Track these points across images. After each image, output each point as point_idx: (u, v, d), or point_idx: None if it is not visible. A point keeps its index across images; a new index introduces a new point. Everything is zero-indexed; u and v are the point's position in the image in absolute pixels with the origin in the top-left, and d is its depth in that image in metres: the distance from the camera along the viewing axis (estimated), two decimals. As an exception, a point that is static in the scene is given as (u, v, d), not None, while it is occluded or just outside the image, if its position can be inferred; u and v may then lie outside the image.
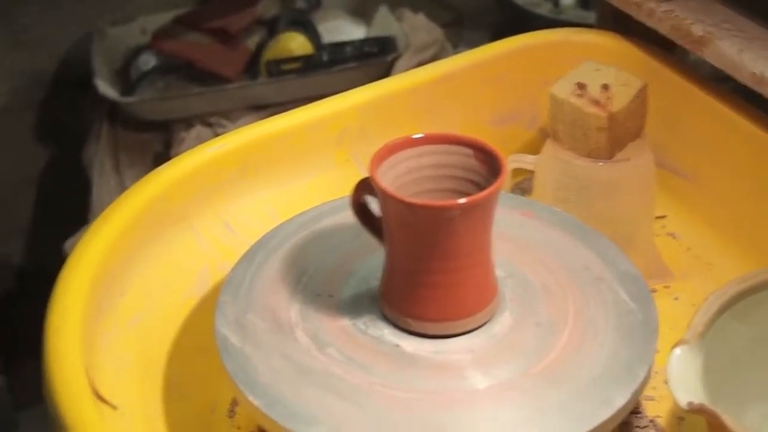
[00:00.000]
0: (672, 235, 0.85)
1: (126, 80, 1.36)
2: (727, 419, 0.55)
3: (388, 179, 0.59)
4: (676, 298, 0.78)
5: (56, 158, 1.59)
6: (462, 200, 0.56)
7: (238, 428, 0.69)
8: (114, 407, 0.61)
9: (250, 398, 0.58)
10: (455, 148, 0.61)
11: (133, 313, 0.69)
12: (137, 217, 0.72)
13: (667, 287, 0.79)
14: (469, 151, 0.61)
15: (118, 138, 1.34)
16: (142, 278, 0.71)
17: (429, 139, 0.61)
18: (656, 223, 0.84)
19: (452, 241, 0.58)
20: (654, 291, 0.78)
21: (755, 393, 0.65)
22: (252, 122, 1.13)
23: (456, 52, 1.46)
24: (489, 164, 0.60)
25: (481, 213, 0.58)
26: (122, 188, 1.31)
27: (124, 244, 0.70)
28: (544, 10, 1.53)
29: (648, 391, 0.69)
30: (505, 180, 0.81)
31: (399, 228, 0.59)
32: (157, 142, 1.33)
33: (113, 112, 1.35)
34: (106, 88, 1.29)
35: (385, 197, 0.58)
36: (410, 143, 0.61)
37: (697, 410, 0.56)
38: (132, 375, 0.67)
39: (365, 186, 0.61)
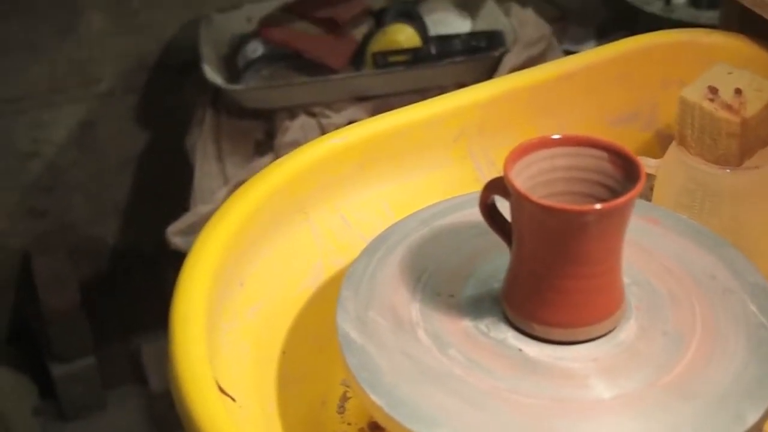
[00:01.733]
0: (794, 246, 0.82)
1: (232, 67, 1.37)
2: None
3: (521, 180, 0.58)
4: (800, 314, 0.75)
5: (157, 142, 1.62)
6: (599, 206, 0.55)
7: (348, 424, 0.69)
8: (233, 399, 0.61)
9: (374, 397, 0.57)
10: (590, 150, 0.60)
11: (252, 303, 0.70)
12: (258, 207, 0.72)
13: (790, 301, 0.76)
14: (604, 155, 0.60)
15: (221, 125, 1.35)
16: (259, 269, 0.72)
17: (564, 141, 0.60)
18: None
19: (585, 246, 0.57)
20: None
21: None
22: (356, 113, 1.13)
23: (561, 49, 1.45)
24: (624, 169, 0.59)
25: (616, 219, 0.57)
26: (223, 175, 1.32)
27: (244, 234, 0.70)
28: (655, 8, 1.50)
29: None
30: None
31: (530, 230, 0.58)
32: (260, 131, 1.34)
33: (217, 98, 1.36)
34: (212, 74, 1.30)
35: (519, 199, 0.57)
36: (545, 144, 0.60)
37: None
38: (248, 367, 0.67)
39: (495, 186, 0.60)
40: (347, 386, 0.72)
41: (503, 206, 0.61)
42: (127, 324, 1.78)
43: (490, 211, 0.62)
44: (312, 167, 0.76)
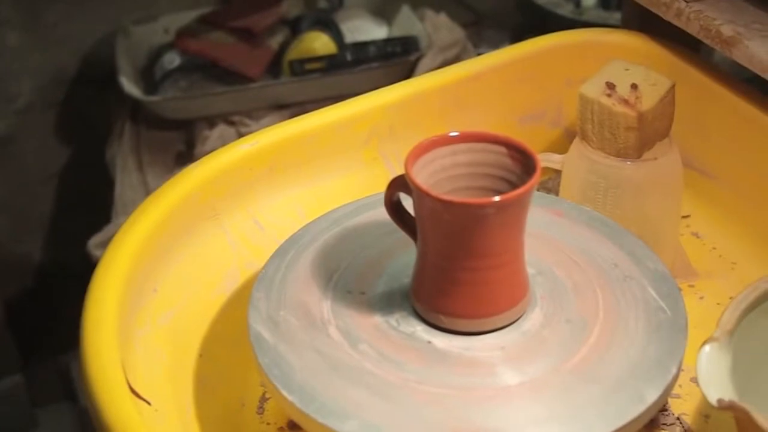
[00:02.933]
0: (696, 234, 0.85)
1: (149, 79, 1.37)
2: (758, 416, 0.55)
3: (422, 177, 0.60)
4: (701, 297, 0.78)
5: (79, 156, 1.61)
6: (497, 198, 0.57)
7: (267, 424, 0.70)
8: (148, 403, 0.62)
9: (285, 394, 0.58)
10: (490, 146, 0.62)
11: (166, 308, 0.70)
12: (170, 213, 0.72)
13: (691, 286, 0.79)
14: (504, 150, 0.62)
15: (140, 136, 1.35)
16: (173, 274, 0.72)
17: (464, 137, 0.62)
18: (681, 222, 0.84)
19: (486, 238, 0.58)
20: (679, 290, 0.78)
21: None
22: (275, 121, 1.14)
23: (477, 52, 1.47)
24: (523, 163, 0.61)
25: (515, 211, 0.59)
26: (145, 186, 1.32)
27: (156, 241, 0.71)
28: (566, 10, 1.53)
29: (674, 390, 0.70)
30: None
31: (433, 225, 0.60)
32: (180, 141, 1.34)
33: (136, 110, 1.36)
34: (130, 86, 1.30)
35: (420, 194, 0.58)
36: (445, 141, 0.62)
37: (726, 407, 0.56)
38: (164, 371, 0.67)
39: (399, 183, 0.62)
40: (266, 387, 0.73)
41: (410, 204, 0.63)
42: (56, 340, 1.76)
43: (395, 208, 0.64)
44: (223, 173, 0.77)
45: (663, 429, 0.68)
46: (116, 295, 0.64)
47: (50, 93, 1.54)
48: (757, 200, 0.82)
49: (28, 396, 1.71)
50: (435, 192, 0.58)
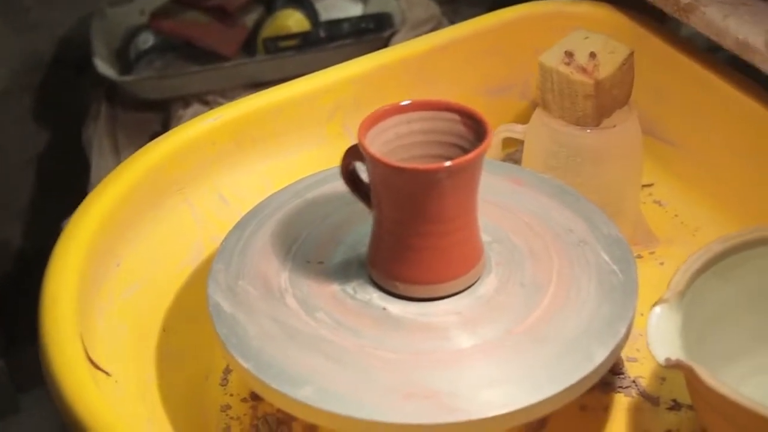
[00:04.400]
0: (658, 202, 0.86)
1: (125, 60, 1.37)
2: (702, 373, 0.56)
3: (377, 145, 0.60)
4: (662, 263, 0.79)
5: (56, 140, 1.60)
6: (448, 163, 0.58)
7: (231, 395, 0.71)
8: (107, 374, 0.62)
9: (241, 361, 0.59)
10: (443, 114, 0.63)
11: (129, 283, 0.71)
12: (133, 187, 0.73)
13: (652, 253, 0.80)
14: (457, 117, 0.62)
15: (116, 118, 1.35)
16: (137, 249, 0.73)
17: (417, 106, 0.63)
18: (643, 190, 0.85)
19: (438, 204, 0.59)
20: (640, 257, 0.79)
21: (736, 350, 0.66)
22: (248, 98, 1.13)
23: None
24: (475, 130, 0.61)
25: (466, 176, 0.59)
26: (122, 167, 1.31)
27: (120, 215, 0.71)
28: (541, -15, 1.53)
29: (632, 353, 0.71)
30: (497, 150, 0.83)
31: (386, 193, 0.60)
32: (155, 122, 1.34)
33: (112, 92, 1.36)
34: (104, 67, 1.30)
35: (372, 162, 0.59)
36: (399, 110, 0.62)
37: (673, 366, 0.57)
38: (127, 343, 0.68)
39: (354, 152, 0.62)
40: (224, 356, 0.73)
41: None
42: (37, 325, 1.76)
43: (351, 177, 0.64)
44: (187, 147, 0.77)
45: (619, 391, 0.68)
46: (76, 267, 0.65)
47: (27, 78, 1.54)
48: (718, 168, 0.83)
49: (11, 381, 1.71)
50: (386, 159, 0.58)
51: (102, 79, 1.33)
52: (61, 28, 1.52)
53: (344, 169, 0.64)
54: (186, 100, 1.31)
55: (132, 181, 0.73)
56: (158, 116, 1.34)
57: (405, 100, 0.63)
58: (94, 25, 1.38)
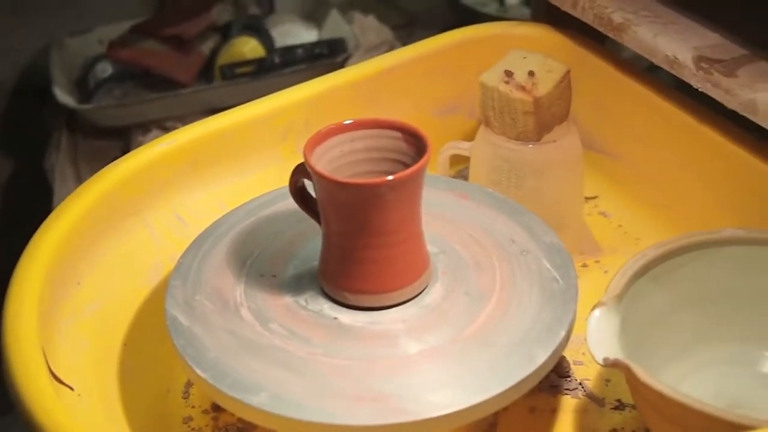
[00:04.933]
0: (604, 214, 0.89)
1: (84, 90, 1.39)
2: (639, 371, 0.59)
3: (323, 163, 0.63)
4: (606, 272, 0.82)
5: (17, 168, 1.62)
6: (390, 177, 0.61)
7: (192, 407, 0.73)
8: (71, 388, 0.65)
9: (198, 371, 0.62)
10: (385, 132, 0.66)
11: (89, 301, 0.73)
12: (91, 209, 0.75)
13: (597, 262, 0.83)
14: (399, 135, 0.65)
15: (77, 146, 1.38)
16: (97, 269, 0.75)
17: (360, 125, 0.66)
18: (588, 203, 0.89)
19: (381, 217, 0.62)
20: (585, 266, 0.83)
21: (672, 353, 0.70)
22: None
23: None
24: (416, 146, 0.64)
25: (408, 190, 0.62)
26: (84, 195, 1.34)
27: (79, 235, 0.73)
28: (491, 9, 1.58)
29: (578, 357, 0.74)
30: (445, 167, 0.86)
31: (332, 207, 0.63)
32: (116, 149, 1.36)
33: (72, 120, 1.39)
34: (64, 96, 1.33)
35: (318, 178, 0.62)
36: (343, 129, 0.66)
37: (611, 365, 0.60)
38: (89, 359, 0.70)
39: (302, 170, 0.65)
40: (182, 367, 0.76)
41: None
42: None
43: (299, 194, 0.67)
44: (143, 170, 0.80)
45: (566, 393, 0.72)
46: (37, 286, 0.67)
47: (-12, 106, 1.57)
48: (658, 179, 0.87)
49: None
50: (331, 174, 0.61)
51: (62, 108, 1.36)
52: (22, 56, 1.55)
53: (293, 187, 0.67)
54: (146, 127, 1.34)
55: (90, 202, 0.75)
56: (118, 143, 1.36)
57: (348, 120, 0.66)
58: (53, 55, 1.41)
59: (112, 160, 1.34)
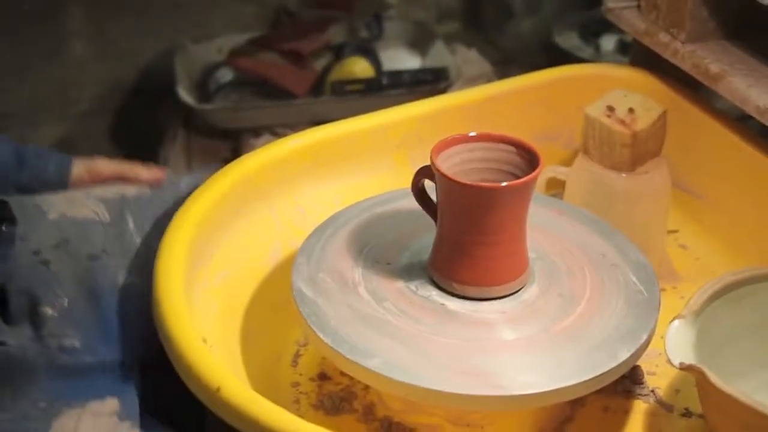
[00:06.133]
0: (683, 246, 0.97)
1: (202, 93, 1.50)
2: (712, 376, 0.66)
3: (444, 167, 0.72)
4: (682, 297, 0.89)
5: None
6: (504, 183, 0.70)
7: (300, 374, 0.82)
8: (204, 340, 0.74)
9: (321, 336, 0.70)
10: (502, 145, 0.74)
11: (220, 270, 0.83)
12: (227, 194, 0.85)
13: (674, 288, 0.91)
14: (513, 149, 0.74)
15: (191, 142, 1.48)
16: (226, 246, 0.85)
17: (481, 137, 0.75)
18: (669, 236, 0.96)
19: (493, 218, 0.71)
20: (663, 290, 0.90)
21: (742, 370, 0.77)
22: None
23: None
24: (528, 160, 0.73)
25: (518, 197, 0.71)
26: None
27: (214, 216, 0.83)
28: (587, 54, 1.65)
29: (651, 368, 0.81)
30: (542, 187, 0.94)
31: (451, 206, 0.72)
32: (227, 149, 1.46)
33: (189, 119, 1.49)
34: (185, 95, 1.43)
35: (442, 179, 0.71)
36: (465, 139, 0.74)
37: (686, 368, 0.68)
38: (217, 320, 0.80)
39: (424, 172, 0.74)
40: (300, 345, 0.85)
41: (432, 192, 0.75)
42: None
43: (420, 193, 0.76)
44: (272, 163, 0.90)
45: (639, 398, 0.79)
46: (182, 255, 0.77)
47: (109, 101, 1.67)
48: (737, 219, 0.94)
49: None
50: (455, 176, 0.70)
51: (182, 107, 1.46)
52: (143, 59, 1.66)
53: (415, 186, 0.76)
54: (257, 132, 1.44)
55: (227, 187, 0.85)
56: (230, 144, 1.46)
57: (471, 132, 0.75)
58: (177, 58, 1.52)
59: (222, 159, 1.45)
